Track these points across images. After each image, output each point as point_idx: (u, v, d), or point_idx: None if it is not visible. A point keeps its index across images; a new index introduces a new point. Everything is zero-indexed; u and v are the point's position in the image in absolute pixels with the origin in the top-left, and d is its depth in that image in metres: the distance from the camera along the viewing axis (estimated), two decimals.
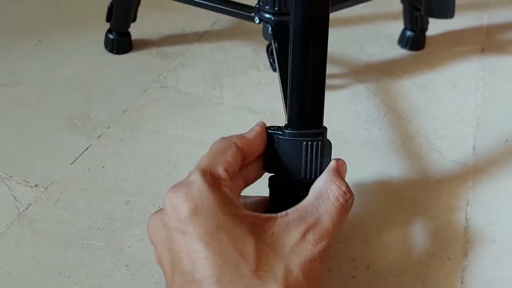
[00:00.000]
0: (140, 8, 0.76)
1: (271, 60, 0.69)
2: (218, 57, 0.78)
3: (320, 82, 0.42)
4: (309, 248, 0.36)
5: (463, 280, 0.47)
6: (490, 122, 0.67)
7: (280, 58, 0.59)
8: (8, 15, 0.87)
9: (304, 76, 0.42)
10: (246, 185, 0.44)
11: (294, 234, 0.36)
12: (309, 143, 0.42)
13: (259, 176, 0.45)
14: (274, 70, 0.71)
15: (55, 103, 0.67)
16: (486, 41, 0.85)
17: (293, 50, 0.41)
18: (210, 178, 0.36)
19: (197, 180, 0.36)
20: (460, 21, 0.88)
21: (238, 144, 0.41)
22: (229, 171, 0.38)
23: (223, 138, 0.41)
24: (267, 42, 0.70)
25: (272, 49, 0.66)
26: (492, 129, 0.65)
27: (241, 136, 0.42)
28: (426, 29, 0.80)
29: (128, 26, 0.76)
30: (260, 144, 0.42)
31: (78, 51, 0.78)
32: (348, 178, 0.57)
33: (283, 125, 0.44)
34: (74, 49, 0.79)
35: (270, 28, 0.63)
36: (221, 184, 0.37)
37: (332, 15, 0.71)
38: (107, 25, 0.76)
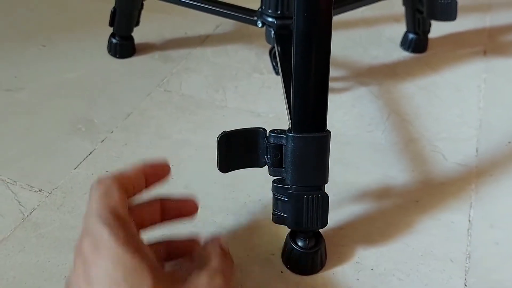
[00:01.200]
0: (143, 12, 0.76)
1: (274, 64, 0.69)
2: (221, 61, 0.78)
3: (323, 86, 0.42)
4: None
5: (467, 283, 0.47)
6: (492, 124, 0.67)
7: (283, 62, 0.59)
8: (12, 19, 0.88)
9: (307, 79, 0.42)
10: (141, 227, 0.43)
11: None
12: (310, 197, 0.43)
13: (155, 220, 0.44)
14: (277, 73, 0.71)
15: (59, 108, 0.68)
16: (488, 43, 0.85)
17: (296, 53, 0.41)
18: (110, 218, 0.37)
19: (97, 228, 0.36)
20: (463, 23, 0.89)
21: (118, 184, 0.40)
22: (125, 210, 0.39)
23: (99, 182, 0.40)
24: (269, 46, 0.70)
25: (274, 52, 0.66)
26: (495, 131, 0.65)
27: (120, 174, 0.41)
28: (428, 31, 0.80)
29: (131, 31, 0.77)
30: (142, 179, 0.42)
31: (81, 56, 0.78)
32: (351, 180, 0.57)
33: (286, 129, 0.44)
34: (77, 53, 0.79)
35: (272, 32, 0.63)
36: (125, 222, 0.37)
37: (335, 18, 0.71)
38: (110, 30, 0.77)
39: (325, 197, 0.44)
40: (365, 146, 0.63)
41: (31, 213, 0.52)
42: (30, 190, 0.55)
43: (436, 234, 0.52)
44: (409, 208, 0.54)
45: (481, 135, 0.65)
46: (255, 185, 0.56)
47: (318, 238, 0.47)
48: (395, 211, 0.54)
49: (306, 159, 0.43)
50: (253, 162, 0.46)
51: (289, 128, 0.44)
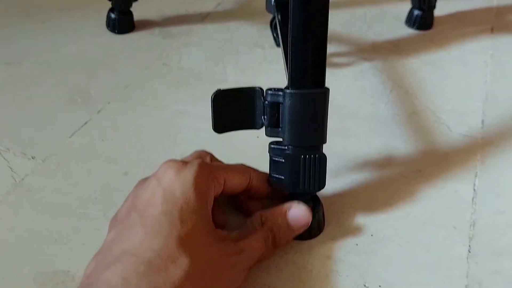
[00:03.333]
0: None
1: (275, 35, 0.68)
2: (222, 37, 0.77)
3: (322, 40, 0.41)
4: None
5: (470, 249, 0.45)
6: (499, 97, 0.65)
7: (283, 29, 0.58)
8: None
9: (305, 33, 0.40)
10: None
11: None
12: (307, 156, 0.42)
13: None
14: (278, 45, 0.70)
15: (56, 81, 0.67)
16: (496, 20, 0.83)
17: (294, 5, 0.40)
18: (206, 169, 0.39)
19: (194, 162, 0.39)
20: (470, 1, 0.87)
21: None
22: (227, 185, 0.41)
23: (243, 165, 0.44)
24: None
25: (275, 23, 0.65)
26: (501, 103, 0.64)
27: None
28: (434, 7, 0.79)
29: (130, 5, 0.76)
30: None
31: (81, 32, 0.78)
32: (352, 150, 0.56)
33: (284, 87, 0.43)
34: (77, 30, 0.78)
35: (273, 0, 0.62)
36: (210, 178, 0.40)
37: None
38: (109, 8, 0.76)
39: (323, 158, 0.43)
40: (367, 118, 0.61)
41: (23, 179, 0.51)
42: (23, 157, 0.54)
43: (439, 202, 0.50)
44: (411, 177, 0.53)
45: (487, 107, 0.63)
46: (253, 156, 0.54)
47: (316, 202, 0.45)
48: (396, 180, 0.52)
49: (304, 117, 0.41)
50: (249, 123, 0.44)
51: (286, 86, 0.42)
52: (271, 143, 0.44)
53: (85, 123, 0.59)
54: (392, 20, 0.82)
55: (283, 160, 0.43)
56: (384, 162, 0.55)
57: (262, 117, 0.43)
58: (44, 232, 0.46)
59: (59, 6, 0.84)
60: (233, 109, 0.43)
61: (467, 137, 0.58)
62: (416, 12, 0.79)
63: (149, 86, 0.66)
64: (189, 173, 0.38)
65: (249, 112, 0.44)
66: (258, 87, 0.43)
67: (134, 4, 0.76)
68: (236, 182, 0.42)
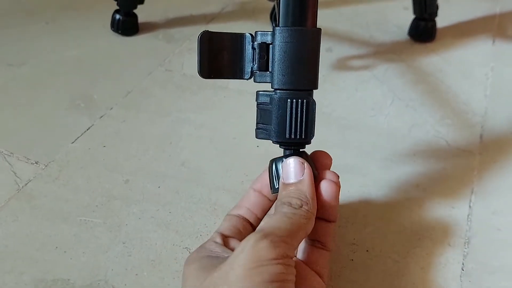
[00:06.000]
0: None
1: (274, 26, 0.68)
2: None
3: None
4: None
5: (464, 267, 0.46)
6: (498, 112, 0.65)
7: None
8: None
9: None
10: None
11: None
12: (294, 100, 0.39)
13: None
14: None
15: (59, 84, 0.67)
16: (498, 32, 0.83)
17: None
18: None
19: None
20: (472, 12, 0.87)
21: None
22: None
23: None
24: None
25: (275, 15, 0.64)
26: (501, 118, 0.64)
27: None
28: (435, 14, 0.79)
29: (135, 7, 0.76)
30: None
31: (85, 34, 0.78)
32: (351, 163, 0.56)
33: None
34: (81, 32, 0.79)
35: None
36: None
37: (341, 4, 0.70)
38: (115, 10, 0.76)
39: (312, 103, 0.39)
40: (366, 130, 0.62)
41: (26, 184, 0.52)
42: (26, 162, 0.55)
43: (436, 218, 0.50)
44: (409, 191, 0.53)
45: (486, 122, 0.63)
46: (253, 164, 0.55)
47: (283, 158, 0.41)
48: (394, 194, 0.53)
49: (294, 56, 0.39)
50: (238, 72, 0.41)
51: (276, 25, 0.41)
52: (258, 91, 0.41)
53: (88, 128, 0.60)
54: (394, 29, 0.83)
55: (270, 106, 0.40)
56: (382, 176, 0.55)
57: (251, 65, 0.41)
58: (45, 239, 0.47)
59: (63, 6, 0.85)
60: (221, 53, 0.41)
61: (465, 152, 0.59)
62: (418, 22, 0.79)
63: (151, 92, 0.66)
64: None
65: (238, 59, 0.41)
66: (248, 33, 0.41)
67: (140, 7, 0.77)
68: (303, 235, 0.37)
